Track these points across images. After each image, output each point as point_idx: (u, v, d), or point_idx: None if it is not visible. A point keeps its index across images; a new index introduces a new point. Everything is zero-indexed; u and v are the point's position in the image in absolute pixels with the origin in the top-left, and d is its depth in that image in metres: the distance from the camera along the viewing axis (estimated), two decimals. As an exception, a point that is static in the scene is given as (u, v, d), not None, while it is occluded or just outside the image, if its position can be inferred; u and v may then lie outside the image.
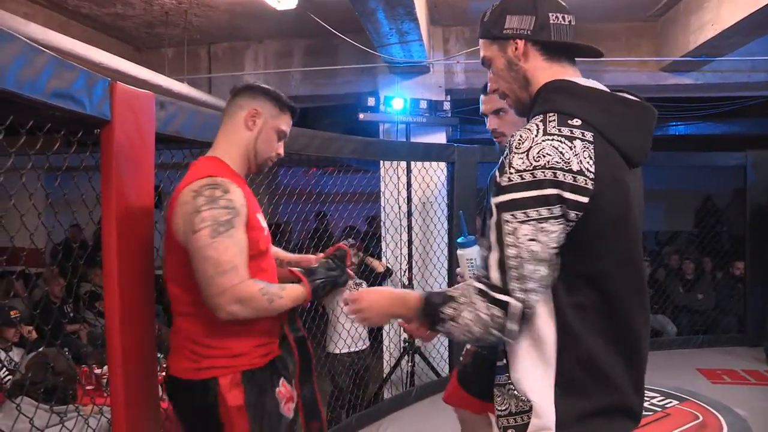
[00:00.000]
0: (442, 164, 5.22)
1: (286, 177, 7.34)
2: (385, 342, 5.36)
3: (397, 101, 5.29)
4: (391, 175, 5.00)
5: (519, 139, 1.28)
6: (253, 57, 6.41)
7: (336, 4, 4.71)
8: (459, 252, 2.20)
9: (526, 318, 1.26)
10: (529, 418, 1.32)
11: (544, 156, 1.23)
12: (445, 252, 5.17)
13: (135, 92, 2.18)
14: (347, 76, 6.01)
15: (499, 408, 1.41)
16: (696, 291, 6.93)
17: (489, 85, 1.52)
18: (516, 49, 1.39)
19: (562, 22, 1.39)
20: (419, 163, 5.10)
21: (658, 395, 4.71)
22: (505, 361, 1.39)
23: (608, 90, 1.38)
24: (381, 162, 5.24)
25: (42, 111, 1.83)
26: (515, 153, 1.26)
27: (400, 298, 1.47)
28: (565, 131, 1.26)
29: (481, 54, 1.48)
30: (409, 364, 5.07)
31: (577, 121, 1.28)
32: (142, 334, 2.19)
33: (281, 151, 2.04)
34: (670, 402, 4.58)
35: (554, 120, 1.28)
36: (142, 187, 2.21)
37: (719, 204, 8.79)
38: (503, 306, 1.24)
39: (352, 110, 5.58)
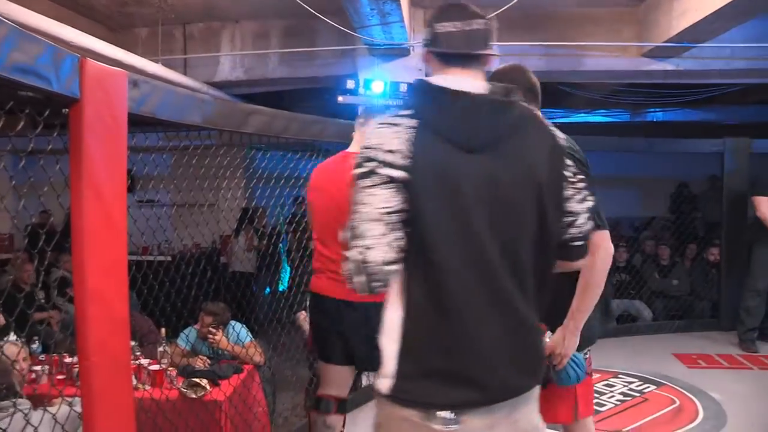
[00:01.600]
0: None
1: (264, 161, 7.22)
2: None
3: (376, 84, 5.19)
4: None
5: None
6: (229, 38, 6.27)
7: (315, -17, 4.61)
8: None
9: (370, 273, 1.44)
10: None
11: (368, 140, 1.52)
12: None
13: (106, 69, 2.07)
14: (326, 59, 5.90)
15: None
16: (671, 277, 6.97)
17: None
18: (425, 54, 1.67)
19: (452, 30, 1.58)
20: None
21: (636, 380, 4.73)
22: None
23: (454, 88, 1.53)
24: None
25: (4, 88, 1.72)
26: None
27: None
28: (393, 120, 1.53)
29: None
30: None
31: (407, 112, 1.53)
32: (114, 323, 2.10)
33: None
34: (648, 387, 4.61)
35: (393, 113, 1.58)
36: (115, 170, 2.11)
37: (695, 190, 8.86)
38: (347, 260, 1.47)
39: (331, 93, 5.48)
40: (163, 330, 4.64)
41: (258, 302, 8.55)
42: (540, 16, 5.67)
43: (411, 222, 1.45)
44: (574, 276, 2.13)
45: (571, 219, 1.63)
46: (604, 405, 4.26)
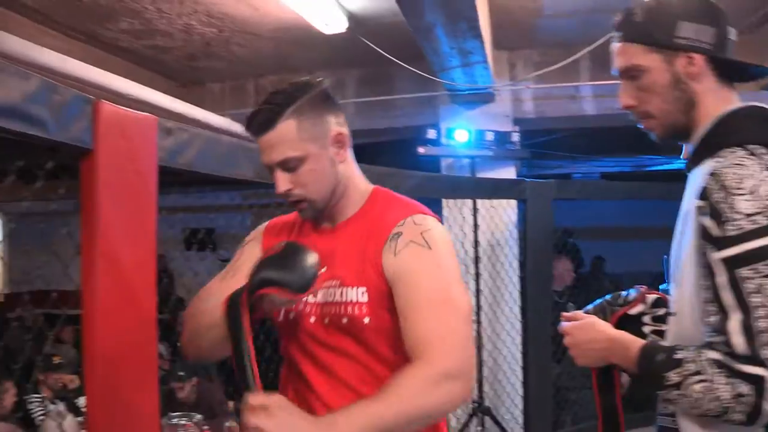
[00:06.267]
0: (512, 202, 4.57)
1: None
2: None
3: (460, 133, 4.74)
4: (455, 215, 4.41)
5: (734, 178, 1.10)
6: (302, 88, 6.01)
7: (391, 28, 4.24)
8: None
9: None
10: None
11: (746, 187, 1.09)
12: (519, 303, 4.51)
13: (129, 114, 1.68)
14: (405, 108, 5.50)
15: None
16: None
17: (622, 99, 1.27)
18: (691, 64, 1.21)
19: (734, 39, 1.24)
20: (486, 202, 4.51)
21: None
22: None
23: None
24: (444, 201, 4.67)
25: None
26: (736, 195, 1.09)
27: (619, 342, 1.27)
28: (752, 157, 1.13)
29: (624, 62, 1.26)
30: (479, 428, 4.43)
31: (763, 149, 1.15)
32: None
33: (277, 187, 1.47)
34: None
35: (767, 153, 1.14)
36: (139, 234, 1.70)
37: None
38: (754, 381, 1.03)
39: (411, 145, 5.09)
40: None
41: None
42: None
43: None
44: None
45: None
46: None
